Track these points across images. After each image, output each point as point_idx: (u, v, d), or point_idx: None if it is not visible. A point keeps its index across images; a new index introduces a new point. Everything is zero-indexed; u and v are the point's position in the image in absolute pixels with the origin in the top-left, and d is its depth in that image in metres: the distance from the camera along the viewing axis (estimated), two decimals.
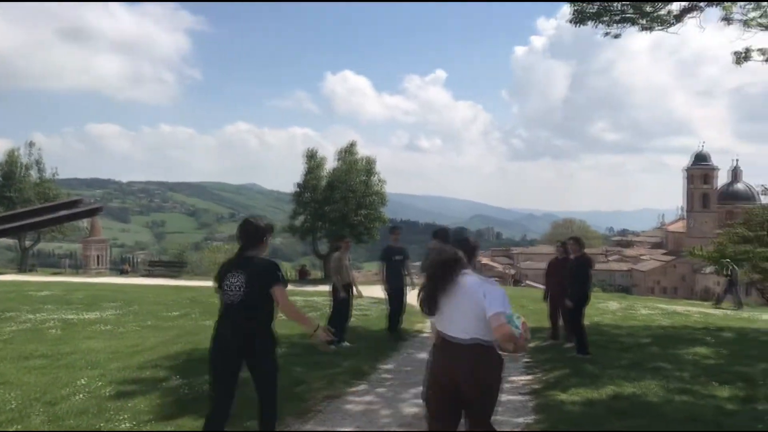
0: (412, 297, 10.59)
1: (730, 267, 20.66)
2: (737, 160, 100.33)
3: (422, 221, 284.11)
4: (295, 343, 9.18)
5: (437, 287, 3.51)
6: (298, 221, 30.65)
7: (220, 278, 4.16)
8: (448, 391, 3.44)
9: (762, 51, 13.16)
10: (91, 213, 31.73)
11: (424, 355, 8.78)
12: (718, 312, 16.67)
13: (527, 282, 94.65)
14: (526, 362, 8.31)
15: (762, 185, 35.72)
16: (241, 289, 4.01)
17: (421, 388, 3.99)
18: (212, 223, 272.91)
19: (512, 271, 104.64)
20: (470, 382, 3.36)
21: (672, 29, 11.26)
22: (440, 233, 8.33)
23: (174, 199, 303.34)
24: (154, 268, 31.20)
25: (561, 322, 9.36)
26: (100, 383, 6.49)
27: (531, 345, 9.65)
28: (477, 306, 3.36)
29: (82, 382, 6.52)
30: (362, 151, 30.63)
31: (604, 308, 15.78)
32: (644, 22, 11.48)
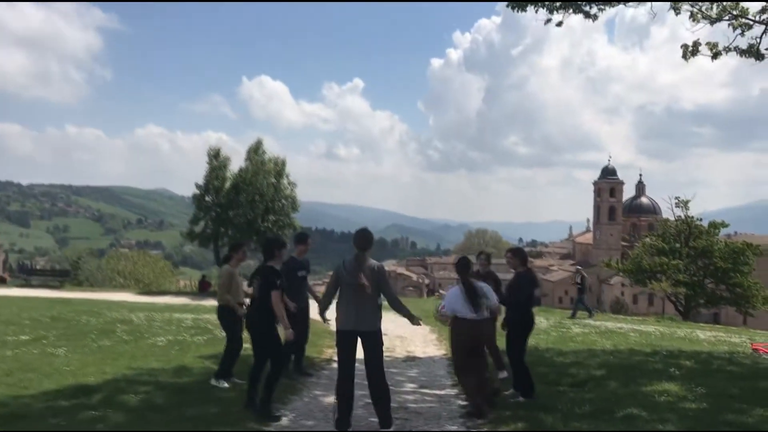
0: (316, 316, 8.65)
1: (580, 275, 19.34)
2: (641, 175, 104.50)
3: (339, 230, 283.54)
4: (163, 385, 6.93)
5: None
6: (198, 227, 27.72)
7: (252, 279, 6.22)
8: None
9: (710, 45, 12.08)
10: None
11: (332, 399, 6.79)
12: (651, 329, 15.55)
13: (440, 291, 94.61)
14: (463, 407, 6.44)
15: (677, 197, 35.75)
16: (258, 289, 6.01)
17: None
18: (119, 228, 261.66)
19: (427, 281, 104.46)
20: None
21: (631, 4, 9.84)
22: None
23: (79, 204, 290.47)
24: (31, 277, 27.37)
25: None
26: None
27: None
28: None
29: None
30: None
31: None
32: (596, 6, 10.02)
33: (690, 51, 12.32)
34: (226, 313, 7.33)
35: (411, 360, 9.67)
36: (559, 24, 11.41)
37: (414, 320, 5.71)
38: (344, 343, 5.59)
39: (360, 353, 5.59)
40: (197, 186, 27.14)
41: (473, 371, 6.12)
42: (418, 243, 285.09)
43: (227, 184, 26.96)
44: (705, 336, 14.54)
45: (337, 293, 5.76)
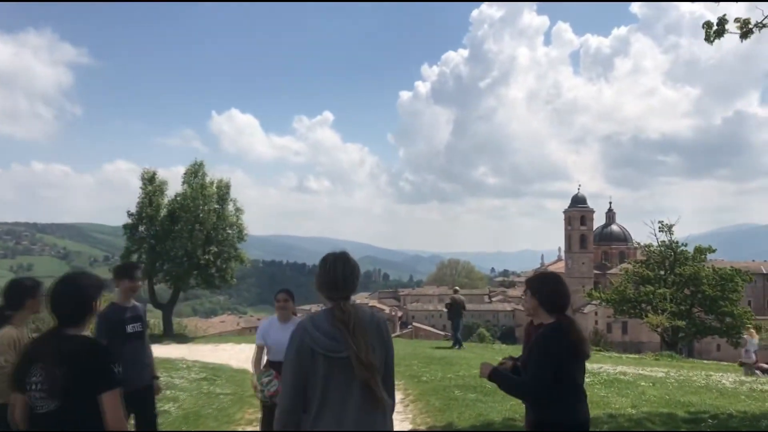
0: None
1: (455, 299, 16.47)
2: (611, 203, 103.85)
3: (310, 263, 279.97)
4: None
5: None
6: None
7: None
8: None
9: (740, 22, 9.56)
10: None
11: None
12: (660, 374, 12.74)
13: (413, 324, 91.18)
14: None
15: (660, 221, 33.55)
16: None
17: None
18: (85, 266, 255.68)
19: (400, 313, 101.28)
20: None
21: None
22: None
23: (44, 241, 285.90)
24: None
25: None
26: None
27: None
28: None
29: None
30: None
31: None
32: None
33: (714, 31, 9.84)
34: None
35: None
36: None
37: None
38: None
39: None
40: (129, 215, 23.76)
41: None
42: (391, 275, 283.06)
43: (163, 212, 23.66)
44: (728, 382, 11.75)
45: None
